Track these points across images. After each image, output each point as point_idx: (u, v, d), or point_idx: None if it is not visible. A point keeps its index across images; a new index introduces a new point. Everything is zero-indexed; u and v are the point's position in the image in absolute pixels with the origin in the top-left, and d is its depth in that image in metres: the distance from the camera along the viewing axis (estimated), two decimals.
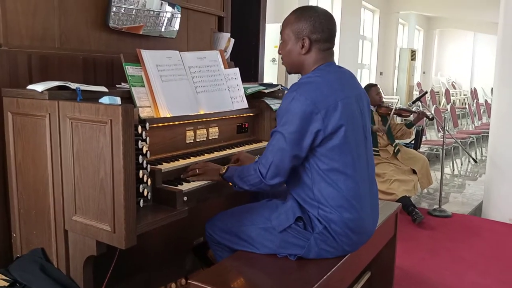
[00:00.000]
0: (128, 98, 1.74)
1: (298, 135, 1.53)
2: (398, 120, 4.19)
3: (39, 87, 1.51)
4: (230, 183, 1.73)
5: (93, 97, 1.51)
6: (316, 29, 1.61)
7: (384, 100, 4.08)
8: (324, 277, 1.52)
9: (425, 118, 4.18)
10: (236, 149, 2.10)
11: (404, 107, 4.01)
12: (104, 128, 1.34)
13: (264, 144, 2.24)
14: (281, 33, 1.72)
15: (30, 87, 1.54)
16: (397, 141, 3.97)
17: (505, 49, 3.79)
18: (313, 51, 1.64)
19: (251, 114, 2.34)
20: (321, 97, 1.54)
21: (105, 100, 1.41)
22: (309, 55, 1.64)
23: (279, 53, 1.75)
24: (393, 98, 9.85)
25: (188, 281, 1.48)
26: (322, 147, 1.56)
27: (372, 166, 1.74)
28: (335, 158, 1.57)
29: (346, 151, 1.58)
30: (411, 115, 4.03)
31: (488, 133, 4.15)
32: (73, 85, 1.54)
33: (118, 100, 1.44)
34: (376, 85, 4.00)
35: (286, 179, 1.62)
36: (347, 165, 1.58)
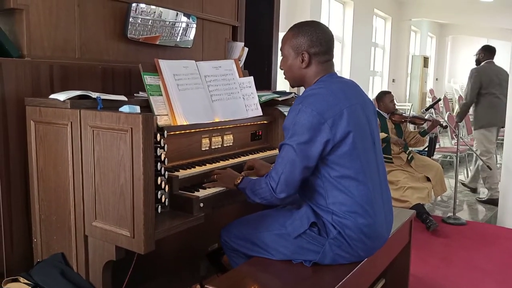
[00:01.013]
0: (146, 107, 1.79)
1: (307, 146, 1.56)
2: (411, 127, 4.18)
3: (61, 96, 1.56)
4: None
5: (113, 105, 1.56)
6: (314, 43, 1.66)
7: (397, 107, 4.08)
8: (340, 283, 1.53)
9: (438, 126, 4.16)
10: (250, 156, 2.12)
11: (418, 114, 4.01)
12: (124, 136, 1.38)
13: (277, 151, 2.26)
14: (281, 49, 1.77)
15: (52, 96, 1.59)
16: (410, 148, 3.96)
17: None
18: (313, 64, 1.68)
19: (265, 122, 2.37)
20: (326, 107, 1.57)
21: (125, 109, 1.45)
22: (310, 68, 1.69)
23: (281, 68, 1.80)
24: (406, 105, 9.80)
25: (205, 286, 1.50)
26: (332, 155, 1.59)
27: (383, 171, 1.76)
28: (345, 164, 1.59)
29: (356, 157, 1.60)
30: (425, 123, 4.02)
31: (503, 140, 4.11)
32: (94, 94, 1.59)
33: (137, 108, 1.48)
34: (389, 92, 4.00)
35: (297, 191, 1.64)
36: (358, 171, 1.60)
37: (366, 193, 1.61)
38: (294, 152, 1.56)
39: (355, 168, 1.60)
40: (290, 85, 1.82)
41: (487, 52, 4.61)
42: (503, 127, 4.15)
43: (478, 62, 4.64)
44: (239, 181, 1.75)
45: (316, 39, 1.66)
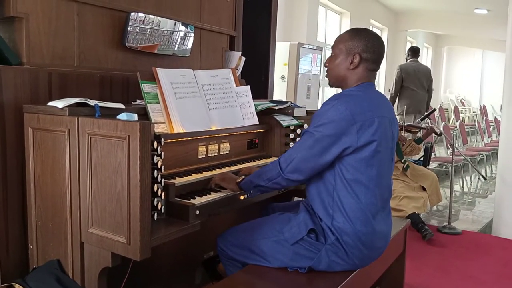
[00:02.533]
0: (143, 115, 1.80)
1: (329, 140, 1.58)
2: (406, 136, 4.23)
3: (59, 103, 1.58)
4: (244, 193, 1.78)
5: (111, 113, 1.58)
6: (367, 49, 1.69)
7: None
8: None
9: (433, 134, 4.19)
10: (247, 164, 2.14)
11: (413, 123, 4.05)
12: (122, 143, 1.39)
13: (274, 159, 2.28)
14: (332, 47, 1.79)
15: (50, 103, 1.61)
16: (405, 157, 3.99)
17: None
18: (360, 68, 1.71)
19: (261, 130, 2.39)
20: (360, 110, 1.60)
21: (122, 116, 1.47)
22: (355, 71, 1.71)
23: (325, 66, 1.83)
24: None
25: None
26: (351, 157, 1.61)
27: (391, 186, 1.79)
28: (361, 170, 1.61)
29: (373, 166, 1.63)
30: (420, 131, 4.06)
31: (498, 150, 4.15)
32: (92, 102, 1.61)
33: (135, 116, 1.49)
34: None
35: (306, 179, 1.66)
36: (371, 179, 1.63)
37: (372, 202, 1.64)
38: (315, 140, 1.59)
39: (369, 175, 1.62)
40: (329, 84, 1.84)
41: (412, 52, 5.53)
42: (419, 114, 5.21)
43: (406, 60, 5.60)
44: (240, 180, 1.78)
45: (371, 46, 1.70)
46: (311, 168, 1.62)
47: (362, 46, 1.69)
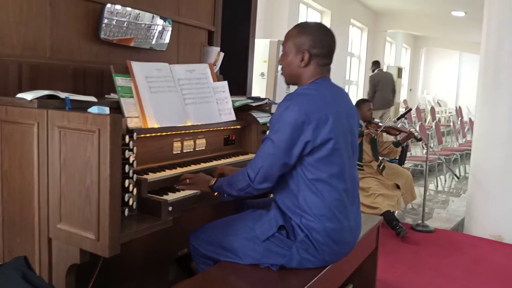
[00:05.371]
0: (116, 109, 1.77)
1: (289, 144, 1.58)
2: (385, 138, 4.27)
3: (28, 95, 1.53)
4: (217, 194, 1.76)
5: (82, 106, 1.54)
6: (316, 44, 1.68)
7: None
8: (306, 287, 1.55)
9: (413, 139, 4.24)
10: (223, 161, 2.13)
11: (393, 125, 4.08)
12: (92, 137, 1.36)
13: (251, 156, 2.27)
14: (283, 44, 1.78)
15: (19, 95, 1.56)
16: (381, 158, 4.03)
17: (486, 68, 3.91)
18: (311, 65, 1.70)
19: (238, 127, 2.38)
20: (313, 109, 1.60)
21: (93, 109, 1.43)
22: (307, 68, 1.70)
23: (280, 64, 1.81)
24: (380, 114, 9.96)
25: None
26: (310, 157, 1.61)
27: (357, 180, 1.80)
28: (322, 168, 1.62)
29: (333, 163, 1.63)
30: (400, 134, 4.08)
31: (470, 150, 4.25)
32: (63, 95, 1.57)
33: (106, 110, 1.46)
34: (368, 101, 4.12)
35: (274, 185, 1.66)
36: (333, 177, 1.63)
37: (337, 198, 1.64)
38: (276, 147, 1.59)
39: (330, 173, 1.63)
40: (285, 82, 1.83)
41: (376, 64, 7.68)
42: (388, 108, 7.40)
43: (373, 71, 7.63)
44: (213, 182, 1.76)
45: (319, 41, 1.68)
46: (278, 174, 1.63)
47: (310, 42, 1.68)
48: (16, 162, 1.59)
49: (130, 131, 1.52)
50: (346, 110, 1.72)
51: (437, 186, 6.01)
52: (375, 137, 3.91)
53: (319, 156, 1.61)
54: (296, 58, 1.70)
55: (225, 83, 2.32)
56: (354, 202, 1.75)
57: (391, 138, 4.33)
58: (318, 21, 8.11)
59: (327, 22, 8.23)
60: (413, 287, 2.80)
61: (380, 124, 3.95)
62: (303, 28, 1.72)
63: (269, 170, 1.61)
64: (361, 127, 3.88)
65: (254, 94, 3.49)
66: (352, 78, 10.21)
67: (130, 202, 1.50)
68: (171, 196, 1.68)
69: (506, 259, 3.39)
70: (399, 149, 4.12)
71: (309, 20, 2.04)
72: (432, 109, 11.38)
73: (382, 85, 7.33)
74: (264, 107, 2.48)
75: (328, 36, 1.71)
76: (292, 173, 1.65)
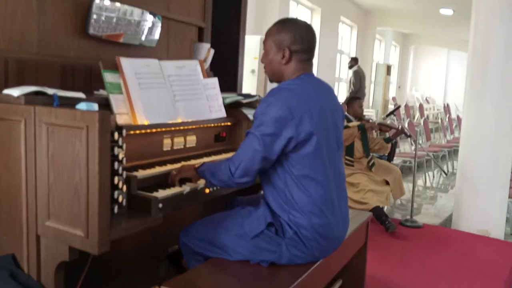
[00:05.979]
0: (105, 105, 1.75)
1: (271, 138, 1.58)
2: (375, 134, 4.33)
3: (15, 91, 1.51)
4: (203, 179, 1.76)
5: (70, 103, 1.52)
6: (296, 41, 1.68)
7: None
8: (295, 283, 1.55)
9: (403, 135, 4.30)
10: (213, 157, 2.12)
11: (384, 122, 4.13)
12: (80, 133, 1.34)
13: None
14: (264, 43, 1.78)
15: (5, 91, 1.54)
16: (372, 154, 4.06)
17: (474, 66, 3.96)
18: (293, 61, 1.70)
19: (228, 123, 2.38)
20: (296, 104, 1.60)
21: (82, 106, 1.42)
22: (289, 65, 1.70)
23: (262, 62, 1.81)
24: (369, 111, 10.06)
25: (162, 287, 1.49)
26: (296, 154, 1.62)
27: (343, 175, 1.80)
28: (307, 164, 1.62)
29: (318, 159, 1.64)
30: (390, 130, 4.14)
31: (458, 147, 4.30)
32: (50, 91, 1.55)
33: (95, 106, 1.45)
34: (359, 98, 4.19)
35: (254, 179, 1.67)
36: (319, 172, 1.64)
37: (323, 194, 1.65)
38: (258, 142, 1.59)
39: (316, 169, 1.64)
40: (269, 79, 1.83)
41: (355, 60, 8.29)
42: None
43: (351, 66, 8.23)
44: (198, 166, 1.75)
45: (299, 36, 1.68)
46: (259, 169, 1.63)
47: (290, 38, 1.68)
48: (2, 159, 1.57)
49: (119, 128, 1.50)
50: (330, 104, 1.72)
51: (426, 182, 6.08)
52: (366, 132, 3.94)
53: (304, 152, 1.61)
54: (277, 55, 1.70)
55: (216, 79, 2.31)
56: (341, 197, 1.76)
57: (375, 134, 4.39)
58: (308, 19, 8.14)
59: (317, 20, 8.25)
60: (402, 281, 2.83)
61: (371, 121, 3.99)
62: (282, 25, 1.72)
63: (250, 164, 1.61)
64: (361, 123, 3.91)
65: (244, 91, 3.49)
66: (342, 76, 10.26)
67: (120, 199, 1.49)
68: (161, 193, 1.66)
69: (493, 253, 3.44)
70: (390, 145, 4.16)
71: (290, 17, 2.03)
72: (421, 106, 11.49)
73: (363, 80, 8.21)
74: (254, 104, 2.47)
75: (308, 31, 1.72)
76: (279, 169, 1.65)
